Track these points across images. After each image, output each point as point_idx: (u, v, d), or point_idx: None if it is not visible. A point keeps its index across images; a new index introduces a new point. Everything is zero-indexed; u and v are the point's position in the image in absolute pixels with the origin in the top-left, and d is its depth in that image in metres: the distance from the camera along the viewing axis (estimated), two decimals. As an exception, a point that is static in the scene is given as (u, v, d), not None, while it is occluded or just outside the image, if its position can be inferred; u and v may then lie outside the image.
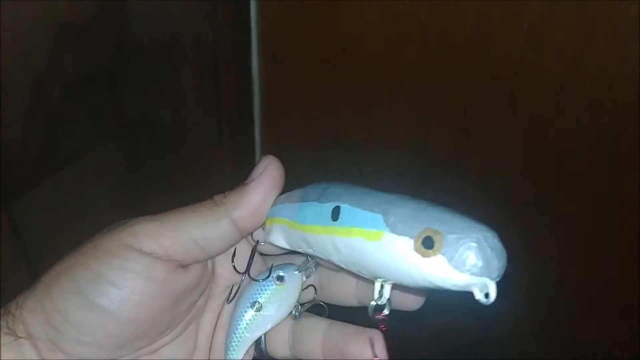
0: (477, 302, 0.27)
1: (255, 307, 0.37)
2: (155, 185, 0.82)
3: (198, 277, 0.36)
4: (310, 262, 0.38)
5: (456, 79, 0.63)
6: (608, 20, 0.53)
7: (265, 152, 0.82)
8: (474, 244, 0.26)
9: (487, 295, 0.26)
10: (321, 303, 0.39)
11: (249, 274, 0.38)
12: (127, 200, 0.78)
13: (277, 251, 0.37)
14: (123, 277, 0.32)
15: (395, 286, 0.31)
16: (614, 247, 0.67)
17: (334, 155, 0.77)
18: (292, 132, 0.79)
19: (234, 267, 0.37)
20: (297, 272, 0.38)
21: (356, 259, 0.30)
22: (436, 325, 0.76)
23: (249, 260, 0.37)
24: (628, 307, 0.70)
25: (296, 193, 0.35)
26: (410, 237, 0.28)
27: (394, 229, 0.28)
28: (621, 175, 0.61)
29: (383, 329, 0.32)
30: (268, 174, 0.35)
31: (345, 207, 0.31)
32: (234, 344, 0.38)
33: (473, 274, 0.26)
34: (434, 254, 0.27)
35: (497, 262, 0.27)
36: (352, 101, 0.71)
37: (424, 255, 0.27)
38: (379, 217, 0.29)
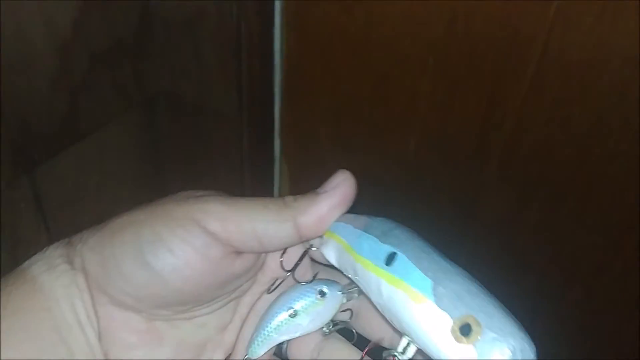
0: None
1: (289, 312, 0.38)
2: (175, 159, 0.82)
3: (249, 265, 0.37)
4: (355, 288, 0.38)
5: (481, 59, 0.63)
6: (637, 2, 0.52)
7: (285, 128, 0.82)
8: (508, 352, 0.27)
9: None
10: (352, 330, 0.40)
11: (293, 275, 0.39)
12: (146, 173, 0.79)
13: (326, 262, 0.38)
14: (181, 248, 0.34)
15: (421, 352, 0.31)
16: (630, 233, 0.67)
17: (354, 134, 0.77)
18: (313, 108, 0.78)
19: (281, 263, 0.39)
20: (339, 292, 0.38)
21: (394, 309, 0.31)
22: None
23: (297, 262, 0.39)
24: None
25: (362, 219, 0.36)
26: (451, 317, 0.28)
27: (438, 301, 0.29)
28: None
29: None
30: (341, 189, 0.36)
31: (401, 257, 0.31)
32: (259, 340, 0.39)
33: None
34: (467, 343, 0.27)
35: None
36: (374, 79, 0.71)
37: (457, 339, 0.27)
38: (428, 283, 0.29)
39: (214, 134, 0.81)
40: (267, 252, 0.38)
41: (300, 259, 0.39)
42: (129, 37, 0.71)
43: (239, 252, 0.36)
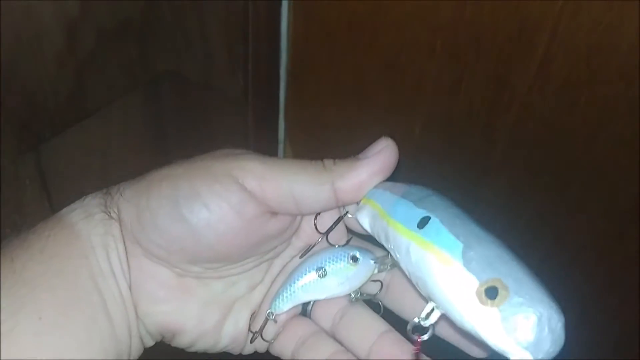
0: None
1: (319, 272, 0.38)
2: (179, 138, 0.82)
3: (283, 227, 0.37)
4: (389, 259, 0.38)
5: (489, 43, 0.62)
6: (648, -13, 0.52)
7: (290, 110, 0.82)
8: (534, 317, 0.26)
9: None
10: (380, 302, 0.40)
11: (327, 238, 0.39)
12: (150, 152, 0.79)
13: (361, 230, 0.38)
14: (217, 204, 0.34)
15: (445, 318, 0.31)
16: (636, 221, 0.67)
17: (360, 117, 0.76)
18: (318, 92, 0.78)
19: (315, 226, 0.39)
20: (372, 261, 0.38)
21: (421, 273, 0.31)
22: None
23: (332, 225, 0.38)
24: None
25: (400, 186, 0.36)
26: (478, 279, 0.28)
27: (467, 264, 0.29)
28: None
29: (416, 350, 0.33)
30: (382, 156, 0.36)
31: (434, 221, 0.32)
32: (284, 295, 0.39)
33: (518, 344, 0.26)
34: (492, 306, 0.27)
35: (549, 346, 0.26)
36: (381, 63, 0.71)
37: (481, 301, 0.27)
38: (459, 246, 0.29)
39: (218, 115, 0.81)
40: (302, 215, 0.38)
41: (336, 223, 0.39)
42: (136, 16, 0.71)
43: (274, 213, 0.36)
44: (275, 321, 0.39)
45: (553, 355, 0.26)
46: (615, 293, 0.74)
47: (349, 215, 0.38)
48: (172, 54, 0.76)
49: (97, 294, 0.34)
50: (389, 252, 0.36)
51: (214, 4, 0.72)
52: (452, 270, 0.29)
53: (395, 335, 0.38)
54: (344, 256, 0.38)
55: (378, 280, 0.40)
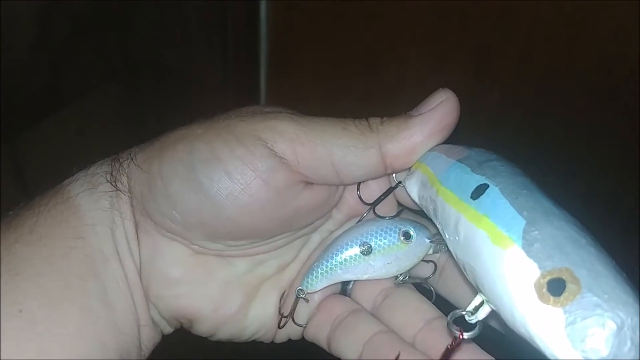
0: None
1: (363, 248, 0.32)
2: (159, 128, 0.81)
3: (320, 200, 0.31)
4: (440, 239, 0.31)
5: (470, 30, 0.62)
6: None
7: (270, 97, 0.81)
8: (613, 325, 0.19)
9: None
10: (431, 288, 0.33)
11: (374, 210, 0.32)
12: (129, 141, 0.78)
13: (414, 204, 0.31)
14: (241, 171, 0.28)
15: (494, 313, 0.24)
16: (620, 205, 0.67)
17: (341, 105, 0.76)
18: (299, 79, 0.77)
19: (359, 196, 0.32)
20: (428, 240, 0.32)
21: (469, 253, 0.25)
22: None
23: (381, 196, 0.32)
24: None
25: (459, 149, 0.29)
26: (540, 267, 0.21)
27: (527, 246, 0.22)
28: (634, 131, 0.61)
29: (452, 347, 0.26)
30: (439, 113, 0.30)
31: (493, 190, 0.25)
32: (319, 271, 0.32)
33: (586, 355, 0.20)
34: (554, 304, 0.20)
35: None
36: (362, 50, 0.70)
37: (540, 297, 0.21)
38: (520, 222, 0.23)
39: (198, 104, 0.80)
40: (343, 184, 0.32)
41: (386, 194, 0.32)
42: (113, 3, 0.70)
43: (308, 183, 0.30)
44: (307, 300, 0.33)
45: None
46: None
47: (402, 185, 0.31)
48: (150, 43, 0.75)
49: (93, 280, 0.29)
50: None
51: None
52: (507, 253, 0.22)
53: (445, 323, 0.29)
54: (395, 232, 0.31)
55: (431, 262, 0.33)
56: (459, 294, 0.32)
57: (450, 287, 0.33)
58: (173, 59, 0.78)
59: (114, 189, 0.30)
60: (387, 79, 0.71)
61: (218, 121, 0.30)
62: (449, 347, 0.26)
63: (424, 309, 0.31)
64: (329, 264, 0.32)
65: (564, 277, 0.20)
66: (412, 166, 0.30)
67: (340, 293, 0.34)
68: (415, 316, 0.31)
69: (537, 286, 0.21)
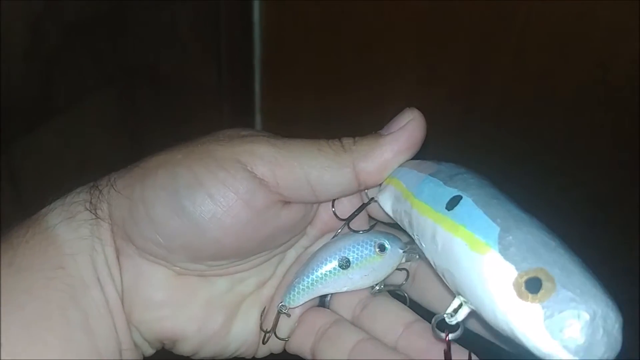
0: None
1: (342, 263, 0.34)
2: (154, 133, 0.81)
3: (297, 217, 0.33)
4: (418, 247, 0.32)
5: (465, 29, 0.62)
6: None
7: (264, 101, 0.81)
8: (587, 316, 0.21)
9: None
10: (405, 294, 0.35)
11: (349, 225, 0.34)
12: (126, 147, 0.78)
13: (384, 217, 0.34)
14: (223, 194, 0.30)
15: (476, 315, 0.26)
16: (616, 206, 0.67)
17: (337, 106, 0.76)
18: (293, 81, 0.78)
19: (334, 212, 0.34)
20: (401, 249, 0.34)
21: (448, 261, 0.26)
22: None
23: (355, 211, 0.34)
24: None
25: (429, 164, 0.31)
26: (517, 269, 0.23)
27: (503, 250, 0.24)
28: (628, 132, 0.61)
29: (447, 349, 0.29)
30: (408, 132, 0.31)
31: (466, 201, 0.27)
32: (300, 287, 0.34)
33: (565, 348, 0.21)
34: (532, 301, 0.22)
35: (603, 352, 0.22)
36: (357, 50, 0.70)
37: (520, 295, 0.23)
38: (495, 229, 0.25)
39: (193, 108, 0.80)
40: (319, 202, 0.33)
41: (360, 209, 0.34)
42: (106, 10, 0.69)
43: (286, 202, 0.32)
44: (289, 315, 0.34)
45: None
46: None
47: (375, 200, 0.33)
48: (144, 48, 0.75)
49: (74, 309, 0.29)
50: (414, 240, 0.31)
51: (185, -4, 0.71)
52: (486, 258, 0.24)
53: (424, 326, 0.33)
54: (370, 245, 0.33)
55: (404, 269, 0.35)
56: (431, 297, 0.34)
57: (422, 292, 0.35)
58: (167, 63, 0.78)
59: (94, 216, 0.31)
60: (384, 78, 0.71)
61: (197, 146, 0.31)
62: (446, 350, 0.28)
63: (402, 314, 0.33)
64: (310, 279, 0.34)
65: (539, 276, 0.22)
66: (383, 182, 0.32)
67: (318, 305, 0.35)
68: (395, 322, 0.33)
69: (516, 285, 0.23)
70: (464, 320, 0.27)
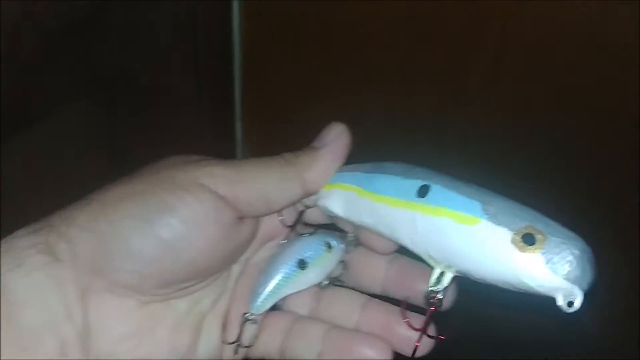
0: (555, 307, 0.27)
1: (300, 265, 0.37)
2: (133, 142, 0.81)
3: (252, 232, 0.36)
4: (353, 240, 0.38)
5: (441, 37, 0.62)
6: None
7: (245, 110, 0.81)
8: (577, 252, 0.27)
9: (570, 304, 0.27)
10: (343, 283, 0.39)
11: (295, 230, 0.38)
12: (104, 157, 0.77)
13: (321, 220, 0.38)
14: (194, 215, 0.32)
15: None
16: (592, 207, 0.68)
17: (317, 113, 0.76)
18: (273, 88, 0.77)
19: (281, 221, 0.38)
20: (342, 245, 0.38)
21: (433, 239, 0.30)
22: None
23: (297, 218, 0.38)
24: None
25: (366, 166, 0.36)
26: (510, 230, 0.28)
27: (493, 218, 0.28)
28: (606, 135, 0.62)
29: (428, 319, 0.33)
30: (340, 141, 0.36)
31: (436, 187, 0.31)
32: (266, 293, 0.37)
33: (567, 279, 0.26)
34: (532, 251, 0.27)
35: (590, 276, 0.27)
36: (335, 58, 0.70)
37: (521, 249, 0.27)
38: (476, 204, 0.29)
39: (173, 117, 0.79)
40: (271, 213, 0.37)
41: (300, 216, 0.38)
42: (82, 17, 0.69)
43: (241, 217, 0.34)
44: (256, 322, 0.37)
45: (592, 285, 0.27)
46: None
47: (310, 206, 0.38)
48: (121, 55, 0.75)
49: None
50: (346, 232, 0.37)
51: (162, 3, 0.71)
52: (478, 227, 0.28)
53: (378, 302, 0.37)
54: (320, 244, 0.37)
55: (342, 261, 0.39)
56: (364, 280, 0.38)
57: (357, 277, 0.39)
58: (145, 71, 0.77)
59: (49, 259, 0.30)
60: (362, 86, 0.71)
61: (154, 174, 0.33)
62: (428, 314, 0.33)
63: (355, 299, 0.38)
64: (274, 284, 0.37)
65: (530, 232, 0.27)
66: (322, 189, 0.36)
67: (271, 308, 0.38)
68: (351, 306, 0.37)
69: (515, 242, 0.27)
70: (445, 289, 0.32)
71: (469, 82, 0.64)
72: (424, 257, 0.32)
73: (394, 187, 0.33)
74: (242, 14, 0.73)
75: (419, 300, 0.35)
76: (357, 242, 0.38)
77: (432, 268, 0.32)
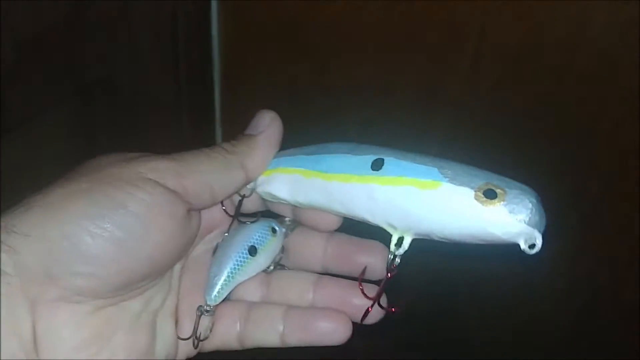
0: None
1: (250, 251, 0.37)
2: (113, 149, 0.80)
3: (199, 223, 0.36)
4: (291, 222, 0.39)
5: (419, 43, 0.63)
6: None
7: (225, 115, 0.81)
8: (534, 200, 0.29)
9: (532, 247, 0.29)
10: (284, 266, 0.40)
11: (238, 218, 0.39)
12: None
13: (256, 207, 0.39)
14: (148, 211, 0.31)
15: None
16: (572, 212, 0.69)
17: (296, 118, 0.76)
18: (253, 93, 0.77)
19: (224, 210, 0.38)
20: (284, 229, 0.39)
21: (395, 208, 0.32)
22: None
23: (237, 207, 0.38)
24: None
25: (307, 148, 0.37)
26: (471, 188, 0.30)
27: (452, 180, 0.30)
28: (580, 140, 0.62)
29: (390, 277, 0.34)
30: (274, 127, 0.37)
31: (389, 160, 0.33)
32: (223, 283, 0.37)
33: (528, 224, 0.29)
34: (495, 205, 0.29)
35: (545, 220, 0.30)
36: (315, 64, 0.70)
37: (484, 204, 0.29)
38: (434, 170, 0.31)
39: (153, 123, 0.79)
40: (215, 204, 0.36)
41: (239, 204, 0.38)
42: (59, 23, 0.68)
43: (189, 210, 0.34)
44: (212, 313, 0.37)
45: (545, 228, 0.30)
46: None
47: (260, 191, 0.38)
48: (100, 61, 0.74)
49: None
50: (284, 218, 0.39)
51: (141, 8, 0.70)
52: (441, 190, 0.30)
53: (329, 277, 0.38)
54: (266, 230, 0.38)
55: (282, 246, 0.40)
56: (305, 264, 0.39)
57: (295, 258, 0.39)
58: (124, 76, 0.77)
59: None
60: (341, 93, 0.71)
61: (96, 172, 0.31)
62: (385, 280, 0.34)
63: (304, 278, 0.38)
64: (228, 273, 0.37)
65: (490, 187, 0.29)
66: (261, 175, 0.37)
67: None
68: (304, 285, 0.38)
69: (478, 198, 0.29)
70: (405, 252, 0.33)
71: (448, 85, 0.65)
72: (383, 226, 0.33)
73: (345, 164, 0.34)
74: (221, 20, 0.73)
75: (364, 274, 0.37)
76: (295, 225, 0.39)
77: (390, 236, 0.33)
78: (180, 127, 0.77)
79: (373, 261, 0.37)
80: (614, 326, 0.74)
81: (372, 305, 0.35)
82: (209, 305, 0.37)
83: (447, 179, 0.30)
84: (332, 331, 0.37)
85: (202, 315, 0.37)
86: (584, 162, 0.64)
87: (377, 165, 0.33)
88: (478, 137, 0.66)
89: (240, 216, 0.39)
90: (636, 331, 0.71)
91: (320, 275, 0.38)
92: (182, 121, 0.77)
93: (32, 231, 0.29)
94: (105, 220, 0.30)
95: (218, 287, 0.37)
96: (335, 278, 0.38)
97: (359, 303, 0.36)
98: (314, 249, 0.38)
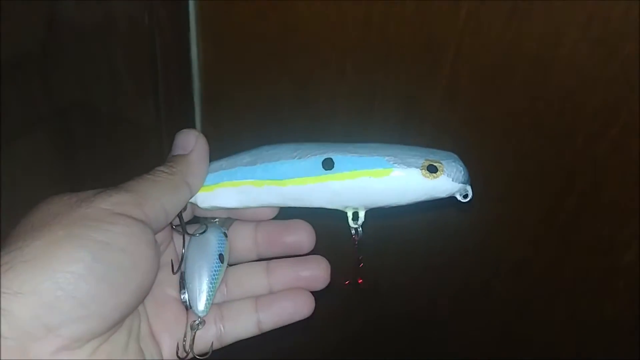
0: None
1: (221, 259, 0.40)
2: (92, 173, 0.79)
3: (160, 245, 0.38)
4: (225, 220, 0.42)
5: (397, 62, 0.63)
6: (544, 6, 0.54)
7: (206, 137, 0.80)
8: (461, 165, 0.37)
9: (465, 197, 0.37)
10: (228, 264, 0.43)
11: (187, 232, 0.41)
12: (62, 189, 0.75)
13: (189, 216, 0.42)
14: (130, 243, 0.32)
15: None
16: (551, 227, 0.69)
17: (277, 139, 0.76)
18: (234, 115, 0.77)
19: (178, 227, 0.40)
20: (226, 229, 0.42)
21: (354, 196, 0.38)
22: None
23: (180, 222, 0.40)
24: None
25: (239, 157, 0.41)
26: (417, 167, 0.37)
27: (399, 164, 0.37)
28: (556, 157, 0.63)
29: (355, 242, 0.40)
30: (203, 143, 0.40)
31: (337, 157, 0.38)
32: (208, 295, 0.39)
33: (463, 182, 0.37)
34: (438, 177, 0.36)
35: (469, 174, 0.38)
36: (294, 84, 0.70)
37: (430, 178, 0.36)
38: (380, 159, 0.37)
39: (132, 146, 0.79)
40: (167, 224, 0.38)
41: (181, 219, 0.40)
42: (37, 48, 0.68)
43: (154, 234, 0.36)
44: (204, 324, 0.40)
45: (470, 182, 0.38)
46: (536, 303, 0.76)
47: (204, 206, 0.40)
48: (78, 85, 0.74)
49: None
50: (215, 218, 0.42)
51: (117, 30, 0.70)
52: (393, 175, 0.37)
53: (276, 261, 0.42)
54: (222, 236, 0.41)
55: None
56: (241, 256, 0.43)
57: (234, 255, 0.43)
58: (103, 100, 0.76)
59: None
60: (320, 113, 0.71)
61: (63, 218, 0.31)
62: (356, 248, 0.40)
63: (255, 267, 0.42)
64: (209, 284, 0.40)
65: (430, 163, 0.37)
66: (200, 191, 0.40)
67: (185, 308, 0.41)
68: (257, 275, 0.42)
69: (425, 175, 0.37)
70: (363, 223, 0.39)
71: (427, 101, 0.65)
72: (339, 208, 0.39)
73: (297, 169, 0.38)
74: (200, 42, 0.73)
75: (293, 251, 0.42)
76: (230, 222, 0.42)
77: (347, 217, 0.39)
78: (160, 150, 0.77)
79: (299, 238, 0.41)
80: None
81: (358, 276, 0.41)
82: (200, 319, 0.40)
83: (395, 164, 0.37)
84: (301, 307, 0.41)
85: (195, 330, 0.40)
86: (561, 176, 0.64)
87: (328, 165, 0.38)
88: (457, 153, 0.67)
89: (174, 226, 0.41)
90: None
91: (267, 262, 0.42)
92: (162, 144, 0.77)
93: (23, 288, 0.29)
94: (94, 261, 0.31)
95: (204, 299, 0.39)
96: (281, 259, 0.42)
97: (308, 274, 0.41)
98: (246, 241, 0.42)
